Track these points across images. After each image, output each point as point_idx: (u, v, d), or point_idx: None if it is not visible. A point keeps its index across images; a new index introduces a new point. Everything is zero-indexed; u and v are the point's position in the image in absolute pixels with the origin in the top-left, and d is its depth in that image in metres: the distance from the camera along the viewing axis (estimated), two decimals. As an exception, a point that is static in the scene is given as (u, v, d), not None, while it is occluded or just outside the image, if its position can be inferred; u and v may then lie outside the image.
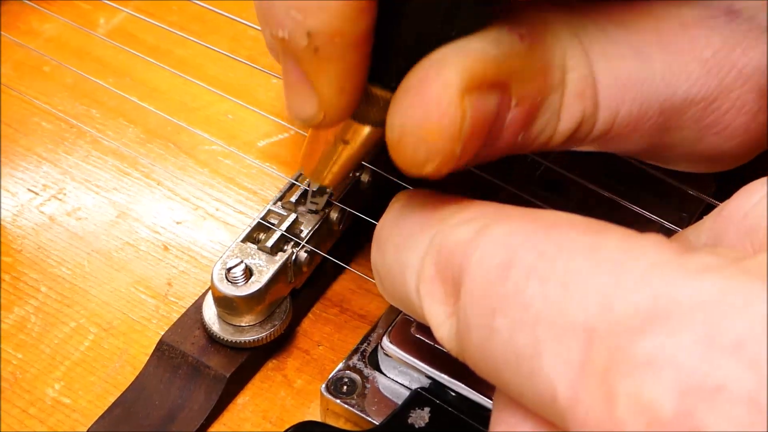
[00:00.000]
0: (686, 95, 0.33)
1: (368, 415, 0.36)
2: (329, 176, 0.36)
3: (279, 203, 0.40)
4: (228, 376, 0.38)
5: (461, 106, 0.28)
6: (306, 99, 0.30)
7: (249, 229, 0.39)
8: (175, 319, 0.39)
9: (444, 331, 0.28)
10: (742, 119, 0.34)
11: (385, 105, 0.30)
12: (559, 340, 0.23)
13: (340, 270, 0.42)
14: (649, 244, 0.24)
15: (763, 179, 0.28)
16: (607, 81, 0.32)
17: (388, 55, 0.30)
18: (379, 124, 0.32)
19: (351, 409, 0.36)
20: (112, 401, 0.37)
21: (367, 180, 0.41)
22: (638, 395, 0.22)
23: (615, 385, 0.22)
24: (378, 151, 0.42)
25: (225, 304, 0.38)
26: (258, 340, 0.38)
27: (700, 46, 0.33)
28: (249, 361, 0.38)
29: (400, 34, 0.29)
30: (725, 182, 0.43)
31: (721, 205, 0.29)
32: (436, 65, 0.29)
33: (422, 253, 0.29)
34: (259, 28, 0.48)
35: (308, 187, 0.40)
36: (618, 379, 0.22)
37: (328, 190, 0.40)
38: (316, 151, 0.35)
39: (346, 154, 0.34)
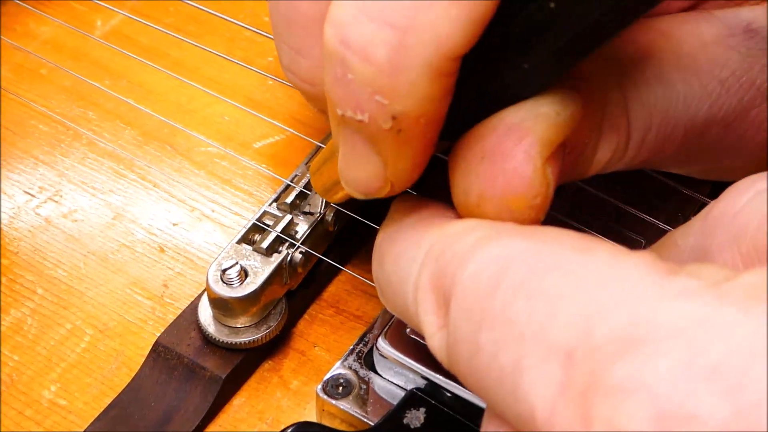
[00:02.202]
0: (708, 115, 0.33)
1: (364, 416, 0.36)
2: (341, 196, 0.35)
3: (274, 204, 0.40)
4: (224, 377, 0.38)
5: (546, 176, 0.28)
6: (374, 174, 0.29)
7: (244, 230, 0.39)
8: (170, 321, 0.39)
9: (435, 342, 0.28)
10: (761, 136, 0.34)
11: None
12: (540, 359, 0.23)
13: (336, 271, 0.42)
14: (634, 264, 0.24)
15: (751, 177, 0.28)
16: (637, 111, 0.32)
17: (451, 110, 0.29)
18: None
19: (347, 409, 0.36)
20: (108, 403, 0.37)
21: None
22: (613, 420, 0.22)
23: (591, 408, 0.22)
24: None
25: (220, 305, 0.38)
26: (253, 341, 0.38)
27: (719, 65, 0.33)
28: (245, 363, 0.38)
29: (472, 90, 0.29)
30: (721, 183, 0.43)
31: (710, 205, 0.29)
32: (514, 133, 0.28)
33: (419, 262, 0.29)
34: (256, 30, 0.48)
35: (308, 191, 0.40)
36: (594, 402, 0.22)
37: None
38: (330, 172, 0.35)
39: None
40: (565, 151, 0.30)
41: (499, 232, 0.27)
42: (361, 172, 0.29)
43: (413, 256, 0.29)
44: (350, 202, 0.41)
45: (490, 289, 0.25)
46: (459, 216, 0.29)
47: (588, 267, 0.24)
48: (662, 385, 0.21)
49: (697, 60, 0.33)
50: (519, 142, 0.28)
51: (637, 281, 0.23)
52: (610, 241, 0.26)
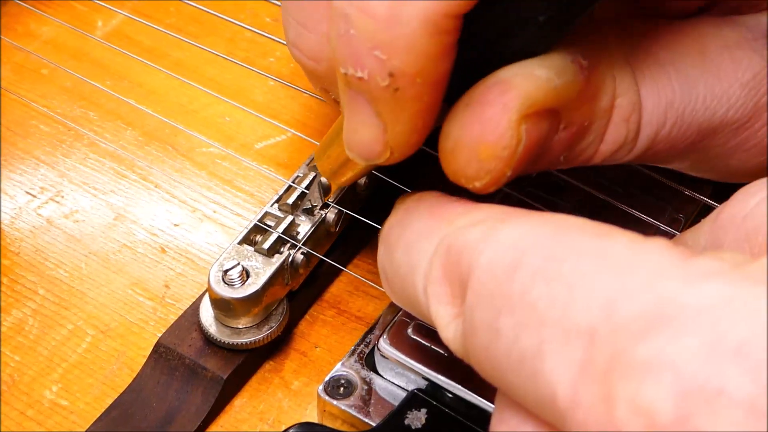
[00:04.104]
0: (724, 117, 0.34)
1: (365, 417, 0.36)
2: (348, 178, 0.36)
3: (276, 205, 0.40)
4: (225, 377, 0.38)
5: (518, 131, 0.29)
6: (374, 138, 0.30)
7: (246, 231, 0.39)
8: (172, 321, 0.39)
9: (450, 332, 0.28)
10: None
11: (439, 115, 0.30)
12: (561, 341, 0.24)
13: (337, 272, 0.42)
14: (655, 248, 0.24)
15: (761, 180, 0.28)
16: (652, 106, 0.33)
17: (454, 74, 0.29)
18: None
19: (348, 410, 0.36)
20: (110, 403, 0.38)
21: (363, 182, 0.41)
22: (637, 398, 0.22)
23: (615, 387, 0.22)
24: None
25: (222, 306, 0.38)
26: (255, 342, 0.38)
27: (742, 68, 0.33)
28: (246, 363, 0.38)
29: (467, 50, 0.29)
30: (721, 183, 0.43)
31: (719, 207, 0.29)
32: (500, 85, 0.29)
33: (430, 254, 0.29)
34: (257, 30, 0.48)
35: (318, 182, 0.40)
36: (618, 381, 0.22)
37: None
38: (338, 152, 0.35)
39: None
40: (560, 125, 0.30)
41: (509, 220, 0.27)
42: (362, 136, 0.30)
43: (424, 246, 0.29)
44: (351, 202, 0.41)
45: (508, 275, 0.25)
46: (471, 207, 0.30)
47: (607, 250, 0.24)
48: (688, 363, 0.21)
49: (720, 62, 0.33)
50: (501, 95, 0.29)
51: (659, 263, 0.23)
52: (624, 229, 0.26)
